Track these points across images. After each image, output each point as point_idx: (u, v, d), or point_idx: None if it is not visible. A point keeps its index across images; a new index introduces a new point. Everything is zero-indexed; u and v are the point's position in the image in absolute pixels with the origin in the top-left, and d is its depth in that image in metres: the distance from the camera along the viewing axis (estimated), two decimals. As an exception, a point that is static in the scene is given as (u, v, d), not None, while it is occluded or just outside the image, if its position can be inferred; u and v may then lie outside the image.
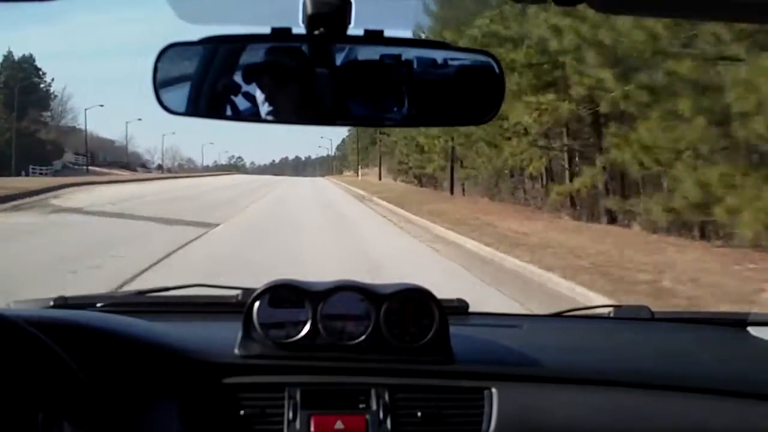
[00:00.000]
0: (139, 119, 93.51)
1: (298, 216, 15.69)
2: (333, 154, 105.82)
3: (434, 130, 20.16)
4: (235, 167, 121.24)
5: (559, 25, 10.46)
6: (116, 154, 72.39)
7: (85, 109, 55.32)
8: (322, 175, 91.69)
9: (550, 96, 13.74)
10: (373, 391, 1.20)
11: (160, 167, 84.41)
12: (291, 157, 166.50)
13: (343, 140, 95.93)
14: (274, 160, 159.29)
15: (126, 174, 52.15)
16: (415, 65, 0.95)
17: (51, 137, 50.57)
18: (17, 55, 50.05)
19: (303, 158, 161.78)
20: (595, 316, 1.77)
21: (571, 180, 15.39)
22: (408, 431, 1.18)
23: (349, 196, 27.39)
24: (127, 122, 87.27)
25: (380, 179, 42.33)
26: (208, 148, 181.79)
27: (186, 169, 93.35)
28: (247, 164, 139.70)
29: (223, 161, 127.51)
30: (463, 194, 24.35)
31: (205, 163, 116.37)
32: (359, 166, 56.64)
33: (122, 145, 79.36)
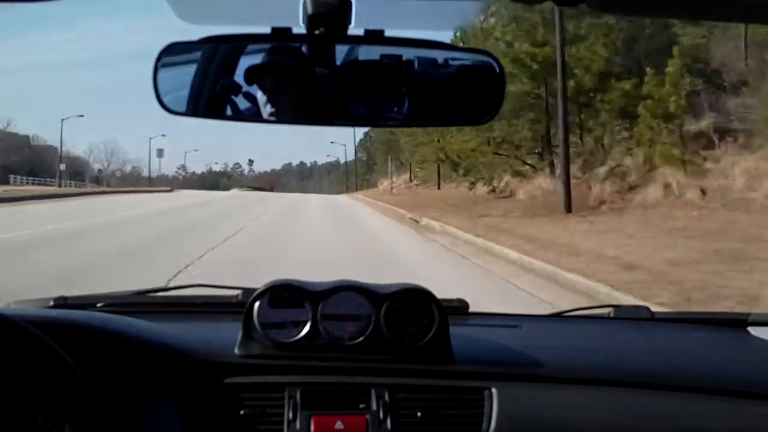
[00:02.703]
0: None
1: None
2: (355, 152, 70.76)
3: None
4: (224, 175, 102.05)
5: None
6: (32, 158, 52.06)
7: None
8: (338, 191, 62.16)
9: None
10: (373, 391, 1.20)
11: (96, 177, 61.46)
12: (295, 163, 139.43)
13: (367, 134, 63.17)
14: (272, 168, 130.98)
15: None
16: (415, 65, 0.95)
17: None
18: None
19: (308, 164, 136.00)
20: (595, 316, 1.77)
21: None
22: (408, 431, 1.18)
23: None
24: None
25: None
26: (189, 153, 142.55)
27: (134, 179, 66.69)
28: (246, 171, 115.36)
29: (217, 167, 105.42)
30: None
31: (191, 170, 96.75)
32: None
33: (43, 145, 56.16)
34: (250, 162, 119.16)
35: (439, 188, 30.98)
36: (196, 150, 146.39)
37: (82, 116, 63.39)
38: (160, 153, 63.83)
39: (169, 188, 52.18)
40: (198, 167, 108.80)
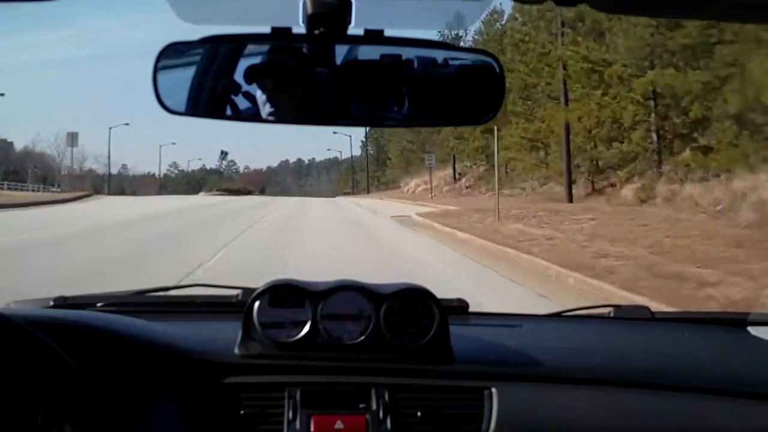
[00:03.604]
0: None
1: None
2: (366, 144, 59.22)
3: None
4: (216, 173, 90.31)
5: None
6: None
7: None
8: (342, 191, 55.62)
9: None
10: (373, 391, 1.20)
11: (42, 176, 47.93)
12: (292, 159, 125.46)
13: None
14: (269, 165, 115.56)
15: None
16: (415, 65, 0.95)
17: None
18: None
19: (306, 161, 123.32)
20: (595, 316, 1.77)
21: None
22: (408, 431, 1.18)
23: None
24: None
25: None
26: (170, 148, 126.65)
27: (95, 178, 51.44)
28: (240, 168, 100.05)
29: (202, 164, 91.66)
30: None
31: (187, 168, 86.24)
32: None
33: (27, 151, 45.76)
34: (223, 154, 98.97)
35: (570, 200, 18.68)
36: (173, 143, 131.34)
37: (2, 95, 51.20)
38: (73, 140, 43.14)
39: (82, 194, 33.08)
40: (192, 164, 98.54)
